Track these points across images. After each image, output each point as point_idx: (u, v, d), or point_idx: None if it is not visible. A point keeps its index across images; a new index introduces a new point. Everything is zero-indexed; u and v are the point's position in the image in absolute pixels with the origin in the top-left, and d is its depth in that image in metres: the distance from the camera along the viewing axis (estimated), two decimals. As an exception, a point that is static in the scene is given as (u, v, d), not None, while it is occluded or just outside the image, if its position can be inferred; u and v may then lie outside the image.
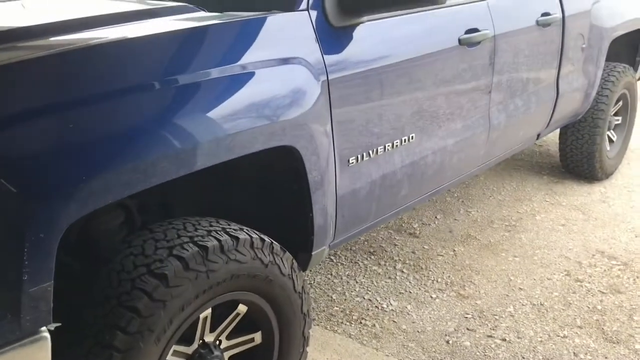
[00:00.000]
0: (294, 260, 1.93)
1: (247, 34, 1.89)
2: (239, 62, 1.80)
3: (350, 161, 2.21)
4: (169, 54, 1.72)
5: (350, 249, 3.37)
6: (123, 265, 1.61)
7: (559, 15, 3.38)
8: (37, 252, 1.33)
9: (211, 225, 1.74)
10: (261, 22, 1.94)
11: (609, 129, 4.32)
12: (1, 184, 1.28)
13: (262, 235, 1.83)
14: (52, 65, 1.52)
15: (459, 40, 2.59)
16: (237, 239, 1.72)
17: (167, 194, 2.00)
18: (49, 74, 1.50)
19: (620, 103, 4.38)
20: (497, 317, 2.77)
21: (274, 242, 1.85)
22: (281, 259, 1.86)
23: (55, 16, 2.00)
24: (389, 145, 2.37)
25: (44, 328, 1.40)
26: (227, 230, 1.74)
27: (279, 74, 1.90)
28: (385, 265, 3.22)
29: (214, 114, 1.69)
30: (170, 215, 2.08)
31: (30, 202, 1.33)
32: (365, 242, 3.44)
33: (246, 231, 1.78)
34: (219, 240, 1.67)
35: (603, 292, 2.95)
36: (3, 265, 1.31)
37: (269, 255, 1.80)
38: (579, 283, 3.03)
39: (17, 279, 1.32)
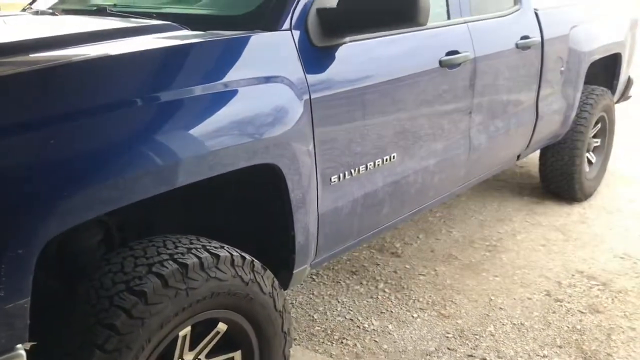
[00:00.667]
0: (274, 279, 1.93)
1: (230, 52, 1.90)
2: (222, 80, 1.81)
3: (332, 180, 2.22)
4: (151, 71, 1.72)
5: (333, 269, 3.36)
6: (102, 282, 1.59)
7: (538, 38, 3.45)
8: (15, 268, 1.32)
9: (191, 243, 1.73)
10: (244, 40, 1.95)
11: (588, 151, 4.38)
12: (-21, 199, 1.27)
13: (243, 253, 1.82)
14: (34, 81, 1.52)
15: (440, 62, 2.63)
16: (217, 256, 1.71)
17: (147, 211, 1.99)
18: (30, 89, 1.50)
19: (599, 125, 4.46)
20: (477, 336, 2.78)
21: (254, 260, 1.85)
22: (262, 277, 1.85)
23: (37, 33, 2.01)
24: (370, 165, 2.38)
25: (19, 345, 1.38)
26: (208, 247, 1.73)
27: (262, 92, 1.92)
28: (367, 284, 3.22)
29: (195, 131, 1.69)
30: (150, 233, 2.08)
31: (9, 217, 1.32)
32: (348, 262, 3.44)
33: (227, 249, 1.78)
34: (199, 258, 1.67)
35: (582, 312, 2.97)
36: (-21, 281, 1.30)
37: (249, 273, 1.80)
38: (558, 303, 3.05)
39: (-7, 296, 1.30)
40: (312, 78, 2.06)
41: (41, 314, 1.49)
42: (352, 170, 2.30)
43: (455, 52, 2.72)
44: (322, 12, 2.10)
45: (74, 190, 1.41)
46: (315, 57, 2.10)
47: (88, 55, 1.66)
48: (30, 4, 2.80)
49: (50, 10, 2.54)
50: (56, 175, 1.40)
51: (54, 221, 1.38)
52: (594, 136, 4.46)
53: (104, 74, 1.62)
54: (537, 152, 4.28)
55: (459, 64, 2.75)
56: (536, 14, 3.52)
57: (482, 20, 3.04)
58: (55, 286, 1.74)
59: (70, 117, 1.47)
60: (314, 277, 3.28)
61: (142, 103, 1.61)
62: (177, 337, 1.68)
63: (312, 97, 2.04)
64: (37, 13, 2.55)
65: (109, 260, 1.67)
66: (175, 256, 1.65)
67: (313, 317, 2.92)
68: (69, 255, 1.76)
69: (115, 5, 2.42)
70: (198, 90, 1.74)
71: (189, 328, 1.71)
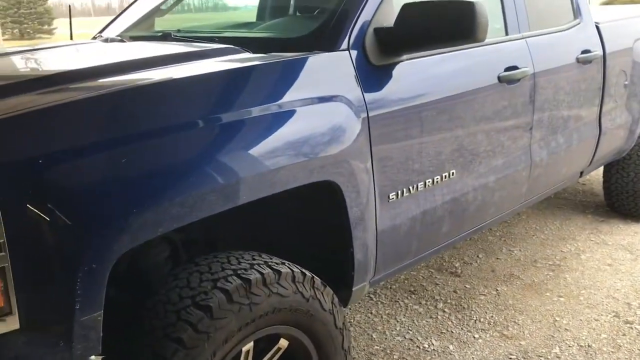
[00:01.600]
0: (334, 296, 1.94)
1: (289, 73, 1.95)
2: (281, 101, 1.85)
3: (391, 197, 2.22)
4: (214, 93, 1.78)
5: (391, 288, 3.34)
6: (169, 297, 1.64)
7: (599, 52, 3.37)
8: (89, 282, 1.38)
9: (254, 259, 1.77)
10: (303, 62, 2.00)
11: (655, 167, 4.22)
12: (57, 216, 1.34)
13: (304, 270, 1.84)
14: (105, 104, 1.60)
15: (499, 78, 2.61)
16: (279, 272, 1.74)
17: (210, 229, 2.05)
18: (102, 112, 1.58)
19: (667, 140, 4.29)
20: (542, 358, 2.69)
21: (315, 276, 1.87)
22: (322, 293, 1.87)
23: (108, 59, 2.11)
24: (429, 182, 2.38)
25: (93, 357, 1.44)
26: (270, 263, 1.76)
27: (320, 111, 1.95)
28: (426, 304, 3.18)
29: (256, 150, 1.74)
30: (213, 250, 2.13)
31: (85, 233, 1.38)
32: (406, 281, 3.42)
33: (288, 265, 1.80)
34: (261, 274, 1.70)
35: (654, 335, 2.84)
36: (57, 294, 1.37)
37: (310, 289, 1.82)
38: (628, 325, 2.93)
39: (70, 308, 1.37)
40: (370, 96, 2.08)
41: (112, 327, 1.55)
42: (411, 188, 2.30)
43: (515, 68, 2.70)
44: (380, 32, 2.13)
45: (145, 208, 1.47)
46: (373, 75, 2.12)
47: (155, 79, 1.74)
48: (100, 32, 2.95)
49: (119, 38, 2.67)
50: (128, 194, 1.46)
51: (126, 237, 1.44)
52: (662, 151, 4.29)
53: (170, 96, 1.70)
54: (601, 169, 4.15)
55: (519, 80, 2.72)
56: (597, 28, 3.44)
57: (541, 35, 3.00)
58: (126, 301, 1.80)
59: (140, 138, 1.54)
60: (371, 296, 3.27)
61: (206, 124, 1.67)
62: (240, 352, 1.71)
63: (369, 115, 2.06)
64: (106, 41, 2.69)
65: (176, 276, 1.72)
66: (239, 272, 1.69)
67: (372, 336, 2.91)
68: (139, 271, 1.82)
69: (179, 31, 2.53)
70: (258, 110, 1.78)
71: (251, 343, 1.73)
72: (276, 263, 1.78)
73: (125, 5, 3.37)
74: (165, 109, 1.66)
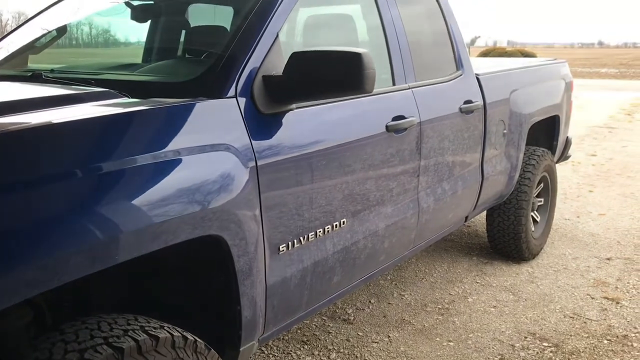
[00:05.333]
0: (220, 359, 1.80)
1: (173, 120, 1.83)
2: (165, 149, 1.72)
3: (281, 249, 2.14)
4: (92, 140, 1.62)
5: (282, 339, 3.23)
6: (26, 373, 1.44)
7: (480, 102, 3.54)
8: None
9: (129, 324, 1.60)
10: (188, 108, 1.89)
11: (532, 210, 4.47)
12: None
13: (185, 333, 1.70)
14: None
15: (387, 127, 2.64)
16: (156, 338, 1.59)
17: (83, 288, 1.86)
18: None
19: (542, 185, 4.57)
20: (434, 407, 2.68)
21: (197, 339, 1.72)
22: (205, 357, 1.73)
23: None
24: (320, 231, 2.32)
25: None
26: (146, 328, 1.60)
27: (206, 160, 1.84)
28: (319, 355, 3.10)
29: (136, 203, 1.59)
30: (86, 311, 1.93)
31: None
32: (298, 331, 3.32)
33: (167, 329, 1.65)
34: (136, 341, 1.54)
35: (537, 376, 2.93)
36: None
37: (192, 355, 1.67)
38: (513, 367, 3.01)
39: None
40: (259, 145, 2.01)
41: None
42: (302, 238, 2.24)
43: (402, 117, 2.74)
44: (268, 80, 2.08)
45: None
46: (262, 124, 2.06)
47: (15, 126, 1.56)
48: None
49: (-18, 76, 2.42)
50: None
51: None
52: (538, 195, 4.56)
53: (28, 144, 1.51)
54: (484, 213, 4.32)
55: (405, 129, 2.76)
56: (478, 79, 3.62)
57: (426, 85, 3.09)
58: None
59: (-5, 192, 1.36)
60: (263, 348, 3.13)
61: (74, 176, 1.50)
62: None
63: (258, 163, 1.99)
64: (-33, 79, 2.43)
65: (36, 347, 1.52)
66: (110, 340, 1.52)
67: (262, 392, 2.77)
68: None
69: (52, 71, 2.34)
70: (138, 160, 1.64)
71: (125, 420, 1.55)
72: (154, 328, 1.62)
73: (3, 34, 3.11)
74: (30, 158, 1.47)
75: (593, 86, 20.98)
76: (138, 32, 3.43)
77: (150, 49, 3.20)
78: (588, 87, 20.04)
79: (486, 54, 28.77)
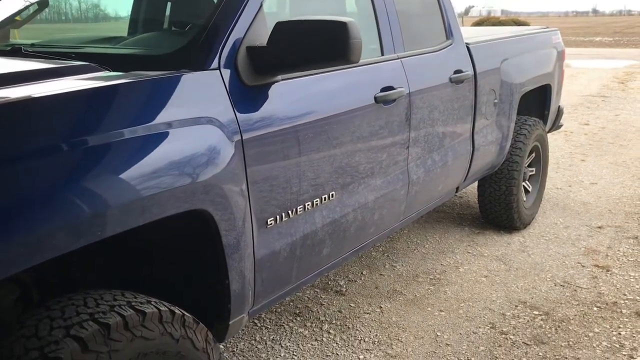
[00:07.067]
0: (209, 332, 1.80)
1: (154, 93, 1.80)
2: (145, 123, 1.69)
3: (269, 222, 2.13)
4: (73, 115, 1.59)
5: (275, 311, 3.24)
6: (13, 349, 1.43)
7: (470, 72, 3.50)
8: None
9: (115, 299, 1.60)
10: (171, 81, 1.86)
11: (524, 180, 4.47)
12: None
13: (173, 307, 1.70)
14: None
15: (375, 98, 2.61)
16: (143, 313, 1.58)
17: (69, 264, 1.85)
18: None
19: (533, 155, 4.56)
20: (425, 376, 2.71)
21: (185, 314, 1.72)
22: (194, 331, 1.73)
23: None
24: (308, 204, 2.31)
25: None
26: (133, 303, 1.60)
27: (190, 134, 1.82)
28: (311, 326, 3.11)
29: (117, 177, 1.57)
30: (73, 287, 1.92)
31: None
32: (291, 303, 3.34)
33: (154, 303, 1.65)
34: (122, 316, 1.53)
35: (527, 344, 2.96)
36: None
37: (180, 328, 1.67)
38: (504, 335, 3.03)
39: None
40: (244, 118, 1.98)
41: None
42: (290, 212, 2.22)
43: (390, 88, 2.71)
44: (252, 51, 2.04)
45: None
46: (247, 96, 2.03)
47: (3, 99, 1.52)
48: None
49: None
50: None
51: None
52: (529, 165, 4.56)
53: (7, 119, 1.48)
54: (475, 183, 4.32)
55: (394, 100, 2.74)
56: (468, 49, 3.58)
57: (415, 55, 3.05)
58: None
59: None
60: (255, 321, 3.15)
61: (55, 151, 1.48)
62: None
63: (243, 137, 1.96)
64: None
65: (22, 324, 1.51)
66: (96, 315, 1.51)
67: (255, 364, 2.79)
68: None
69: (32, 45, 2.29)
70: (114, 135, 1.60)
71: (113, 395, 1.56)
72: (140, 302, 1.62)
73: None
74: (14, 133, 1.45)
75: (587, 55, 20.89)
76: (124, 5, 3.37)
77: (136, 22, 3.14)
78: (582, 56, 19.95)
79: (480, 23, 28.58)
